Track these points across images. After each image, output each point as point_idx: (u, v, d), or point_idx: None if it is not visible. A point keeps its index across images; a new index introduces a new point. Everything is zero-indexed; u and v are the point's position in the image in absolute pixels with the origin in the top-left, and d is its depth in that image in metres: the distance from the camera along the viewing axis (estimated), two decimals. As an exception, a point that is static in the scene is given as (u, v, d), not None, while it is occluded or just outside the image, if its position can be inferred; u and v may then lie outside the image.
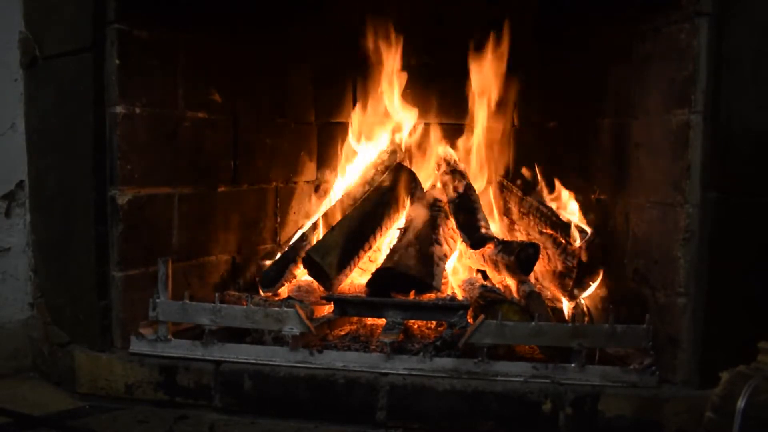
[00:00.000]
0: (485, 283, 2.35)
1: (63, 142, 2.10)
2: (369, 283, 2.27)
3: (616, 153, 2.14)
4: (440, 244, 2.34)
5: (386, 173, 2.63)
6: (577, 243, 2.25)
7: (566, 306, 2.27)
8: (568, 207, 2.38)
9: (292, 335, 1.90)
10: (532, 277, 2.32)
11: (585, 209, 2.33)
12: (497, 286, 2.33)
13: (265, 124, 2.59)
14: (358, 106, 2.83)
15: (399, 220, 2.56)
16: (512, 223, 2.61)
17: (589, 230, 2.25)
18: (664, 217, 1.88)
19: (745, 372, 1.53)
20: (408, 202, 2.56)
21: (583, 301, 2.25)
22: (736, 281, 1.77)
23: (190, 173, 2.22)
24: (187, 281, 2.21)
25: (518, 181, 2.63)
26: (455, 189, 2.50)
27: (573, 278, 2.22)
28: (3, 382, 2.14)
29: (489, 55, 2.63)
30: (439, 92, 2.80)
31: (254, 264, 2.53)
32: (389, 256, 2.32)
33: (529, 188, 2.57)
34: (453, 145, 2.77)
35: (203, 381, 1.92)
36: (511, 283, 2.32)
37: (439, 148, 2.75)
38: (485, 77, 2.68)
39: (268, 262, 2.51)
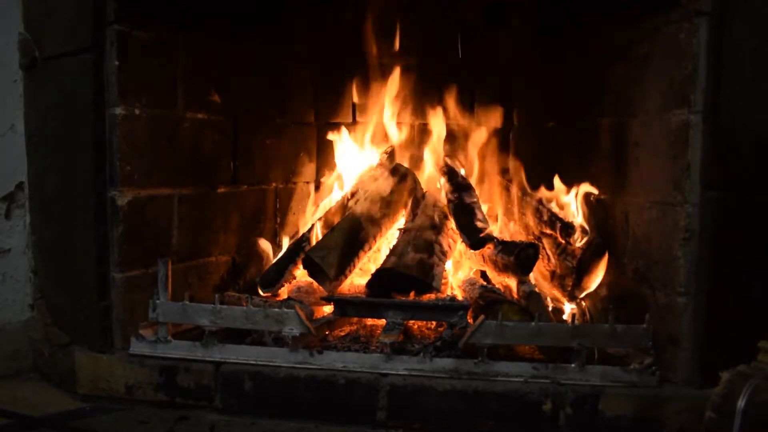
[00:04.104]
0: (485, 283, 2.35)
1: (63, 143, 2.10)
2: (369, 284, 2.27)
3: (616, 153, 2.14)
4: (440, 245, 2.34)
5: (386, 174, 2.63)
6: (577, 243, 2.25)
7: (566, 306, 2.27)
8: (568, 207, 2.38)
9: (292, 336, 1.90)
10: (531, 277, 2.32)
11: (584, 209, 2.33)
12: (497, 286, 2.34)
13: (265, 125, 2.59)
14: (358, 106, 2.83)
15: (399, 221, 2.56)
16: (512, 223, 2.61)
17: (588, 230, 2.25)
18: (663, 217, 1.88)
19: (745, 371, 1.53)
20: (408, 202, 2.56)
21: (582, 302, 2.25)
22: (736, 281, 1.77)
23: (189, 174, 2.22)
24: (187, 282, 2.21)
25: (518, 181, 2.63)
26: (455, 189, 2.50)
27: (573, 278, 2.22)
28: (3, 383, 2.14)
29: (489, 56, 2.63)
30: (440, 92, 2.80)
31: (254, 265, 2.53)
32: (389, 257, 2.32)
33: (528, 188, 2.57)
34: (453, 145, 2.77)
35: (203, 382, 1.92)
36: (511, 283, 2.32)
37: (439, 149, 2.75)
38: (485, 77, 2.69)
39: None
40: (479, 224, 2.33)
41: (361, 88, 2.83)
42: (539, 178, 2.55)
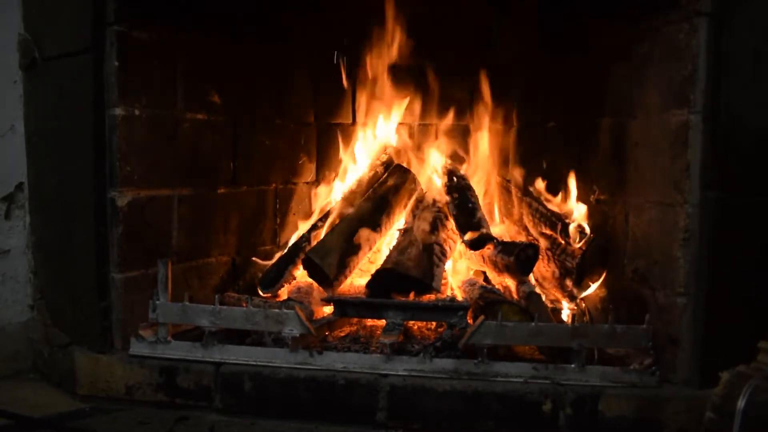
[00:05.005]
0: (485, 283, 2.35)
1: (62, 144, 2.10)
2: (369, 284, 2.27)
3: (616, 153, 2.14)
4: (440, 245, 2.34)
5: (385, 174, 2.63)
6: (577, 243, 2.25)
7: (566, 306, 2.27)
8: (568, 207, 2.38)
9: (292, 336, 1.90)
10: (531, 278, 2.32)
11: (584, 209, 2.33)
12: (497, 286, 2.33)
13: (265, 125, 2.59)
14: (358, 106, 2.83)
15: (398, 221, 2.56)
16: (512, 223, 2.61)
17: (588, 231, 2.25)
18: (663, 217, 1.88)
19: (745, 372, 1.53)
20: (407, 203, 2.56)
21: (582, 302, 2.25)
22: (736, 281, 1.77)
23: (189, 174, 2.22)
24: (187, 282, 2.21)
25: (518, 182, 2.63)
26: (455, 189, 2.50)
27: (573, 279, 2.22)
28: (3, 384, 2.13)
29: (489, 56, 2.63)
30: (439, 92, 2.80)
31: (254, 265, 2.53)
32: (389, 257, 2.32)
33: (528, 189, 2.57)
34: (453, 146, 2.77)
35: (203, 382, 1.92)
36: (510, 283, 2.32)
37: (439, 149, 2.75)
38: (485, 78, 2.68)
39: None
40: (479, 224, 2.33)
41: (361, 88, 2.83)
42: (539, 178, 2.55)
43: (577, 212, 2.33)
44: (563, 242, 2.30)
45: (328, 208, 2.65)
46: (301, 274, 2.42)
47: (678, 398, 1.78)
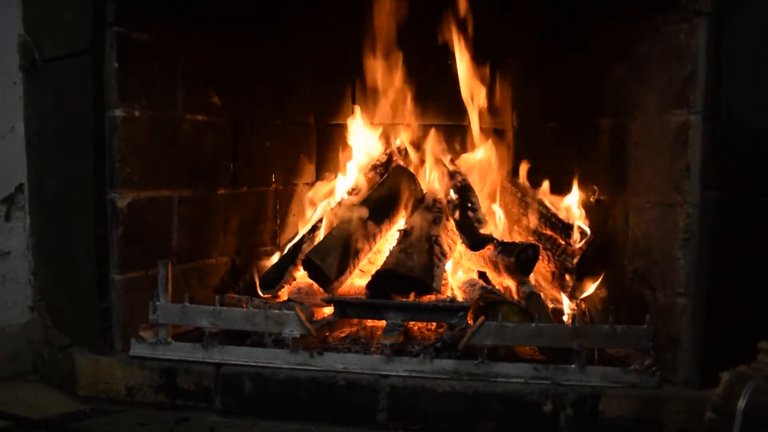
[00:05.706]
0: (485, 284, 2.35)
1: (62, 145, 2.10)
2: (369, 285, 2.27)
3: (616, 153, 2.14)
4: (440, 246, 2.34)
5: (386, 175, 2.63)
6: (577, 244, 2.25)
7: (566, 307, 2.27)
8: (568, 207, 2.38)
9: (293, 337, 1.90)
10: (532, 278, 2.31)
11: (584, 210, 2.33)
12: (497, 287, 2.33)
13: (265, 126, 2.59)
14: (358, 107, 2.83)
15: (399, 222, 2.56)
16: (512, 224, 2.61)
17: (588, 231, 2.25)
18: (663, 218, 1.88)
19: (745, 372, 1.53)
20: (407, 203, 2.56)
21: (583, 303, 2.25)
22: (736, 281, 1.77)
23: (189, 176, 2.22)
24: (187, 284, 2.21)
25: (518, 182, 2.63)
26: (454, 190, 2.50)
27: (573, 279, 2.22)
28: (3, 386, 2.13)
29: (489, 56, 2.63)
30: (439, 93, 2.80)
31: (254, 266, 2.53)
32: (389, 258, 2.32)
33: (529, 189, 2.57)
34: (453, 147, 2.77)
35: (204, 383, 1.92)
36: (511, 284, 2.32)
37: (439, 150, 2.75)
38: (485, 78, 2.68)
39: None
40: (479, 225, 2.33)
41: (361, 88, 2.83)
42: (539, 178, 2.55)
43: (577, 212, 2.33)
44: (563, 242, 2.30)
45: (328, 209, 2.65)
46: (301, 275, 2.42)
47: (678, 398, 1.78)
